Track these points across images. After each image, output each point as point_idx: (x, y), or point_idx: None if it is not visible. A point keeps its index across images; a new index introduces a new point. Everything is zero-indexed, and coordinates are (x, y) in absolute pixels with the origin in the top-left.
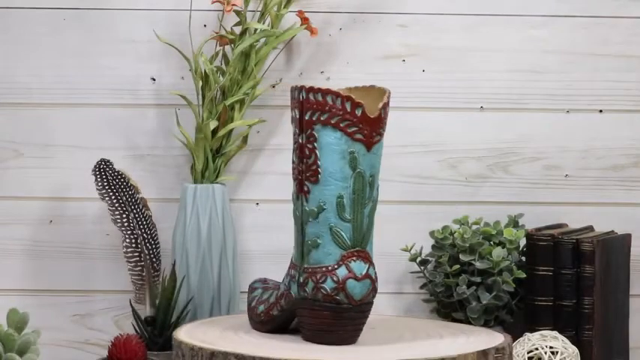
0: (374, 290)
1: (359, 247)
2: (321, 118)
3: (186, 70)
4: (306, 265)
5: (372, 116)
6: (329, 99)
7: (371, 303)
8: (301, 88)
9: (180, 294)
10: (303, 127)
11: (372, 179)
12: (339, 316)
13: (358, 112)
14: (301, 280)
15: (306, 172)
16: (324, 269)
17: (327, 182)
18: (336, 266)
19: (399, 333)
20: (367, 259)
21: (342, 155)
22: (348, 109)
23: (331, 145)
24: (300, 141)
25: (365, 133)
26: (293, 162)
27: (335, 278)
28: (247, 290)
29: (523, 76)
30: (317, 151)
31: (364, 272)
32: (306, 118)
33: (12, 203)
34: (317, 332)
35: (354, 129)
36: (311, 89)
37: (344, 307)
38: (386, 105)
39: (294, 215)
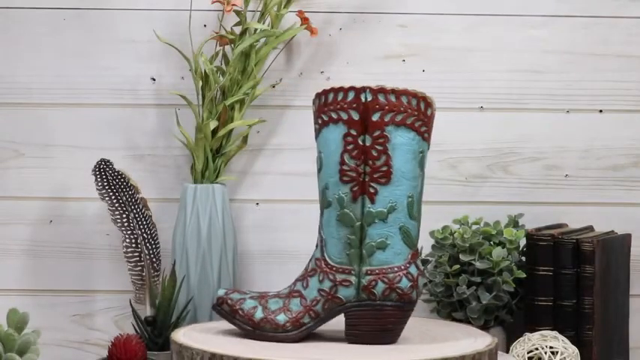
0: None
1: (417, 244)
2: (396, 119)
3: (186, 70)
4: (368, 267)
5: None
6: (404, 99)
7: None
8: (362, 90)
9: (180, 294)
10: (369, 129)
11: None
12: (406, 314)
13: (428, 112)
14: (365, 282)
15: (373, 173)
16: (396, 269)
17: (398, 182)
18: (408, 265)
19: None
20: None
21: (414, 155)
22: (422, 109)
23: (404, 145)
24: (363, 143)
25: (429, 133)
26: (344, 164)
27: (410, 277)
28: (219, 303)
29: (523, 76)
30: (389, 152)
31: (422, 268)
32: (374, 119)
33: (12, 203)
34: (376, 333)
35: (424, 129)
36: (382, 90)
37: (412, 304)
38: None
39: (343, 218)
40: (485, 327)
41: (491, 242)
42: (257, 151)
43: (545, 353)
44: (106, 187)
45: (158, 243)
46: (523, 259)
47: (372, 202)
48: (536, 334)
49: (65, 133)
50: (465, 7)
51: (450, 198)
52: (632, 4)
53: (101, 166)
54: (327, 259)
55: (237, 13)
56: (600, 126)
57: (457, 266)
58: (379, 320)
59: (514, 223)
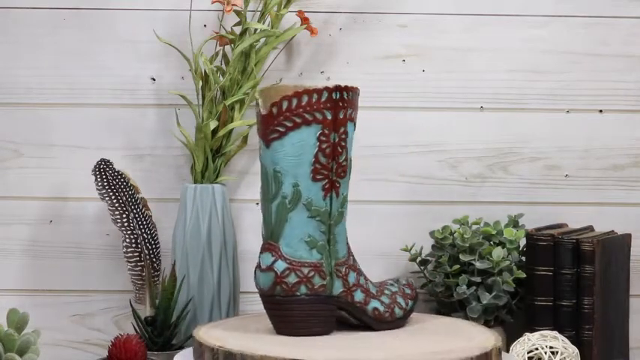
0: (278, 284)
1: (270, 239)
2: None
3: (186, 70)
4: None
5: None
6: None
7: (277, 296)
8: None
9: (180, 294)
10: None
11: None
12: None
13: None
14: None
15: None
16: None
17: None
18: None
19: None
20: (275, 251)
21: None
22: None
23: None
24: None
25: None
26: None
27: (255, 266)
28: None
29: (523, 76)
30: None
31: (269, 264)
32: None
33: (12, 203)
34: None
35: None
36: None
37: (259, 295)
38: (277, 104)
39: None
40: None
41: (491, 242)
42: (257, 151)
43: (545, 353)
44: (106, 187)
45: (158, 243)
46: (523, 259)
47: None
48: (536, 334)
49: (65, 133)
50: (465, 7)
51: (450, 198)
52: (632, 4)
53: (101, 166)
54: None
55: (237, 13)
56: (600, 126)
57: (457, 266)
58: None
59: (514, 223)
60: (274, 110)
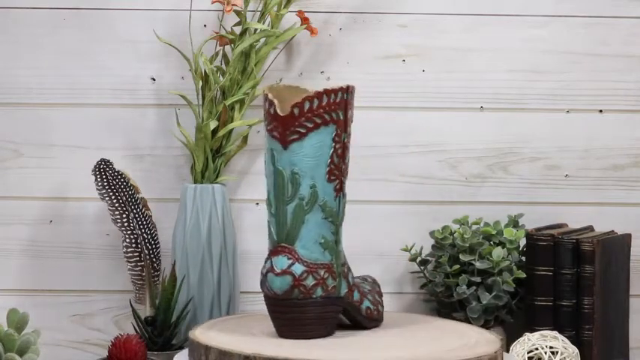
0: (296, 287)
1: (284, 242)
2: (352, 117)
3: (186, 70)
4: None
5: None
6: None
7: (294, 299)
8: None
9: (180, 294)
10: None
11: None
12: (270, 309)
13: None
14: None
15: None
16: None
17: None
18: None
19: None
20: (292, 254)
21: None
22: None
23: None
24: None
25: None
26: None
27: (263, 270)
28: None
29: (523, 76)
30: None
31: (285, 267)
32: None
33: (12, 203)
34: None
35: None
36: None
37: (268, 299)
38: (299, 105)
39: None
40: (485, 327)
41: (491, 242)
42: (257, 151)
43: (545, 353)
44: (106, 187)
45: (158, 243)
46: (523, 259)
47: None
48: (536, 334)
49: (65, 133)
50: (465, 7)
51: (450, 198)
52: (632, 4)
53: (101, 166)
54: None
55: (237, 13)
56: (600, 126)
57: (457, 266)
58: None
59: (514, 223)
60: (295, 111)
